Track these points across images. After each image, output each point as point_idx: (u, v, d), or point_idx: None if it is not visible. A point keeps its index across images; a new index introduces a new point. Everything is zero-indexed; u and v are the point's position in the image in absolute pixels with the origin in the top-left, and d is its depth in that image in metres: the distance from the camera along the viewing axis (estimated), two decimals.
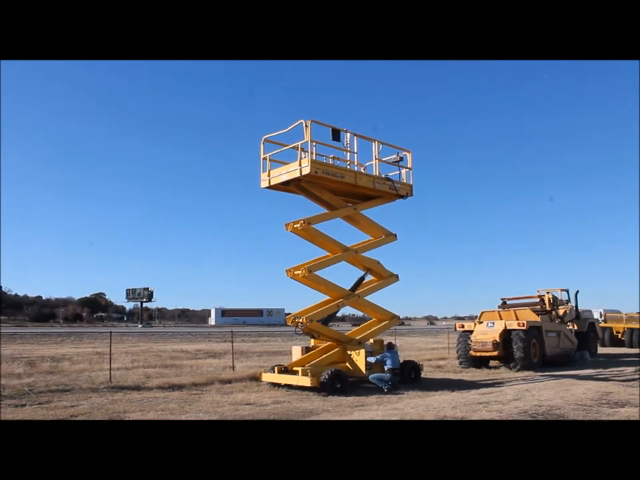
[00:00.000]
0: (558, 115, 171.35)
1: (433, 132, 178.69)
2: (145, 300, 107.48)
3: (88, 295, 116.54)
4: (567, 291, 22.41)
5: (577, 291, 22.31)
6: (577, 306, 22.05)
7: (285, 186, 13.56)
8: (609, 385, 12.99)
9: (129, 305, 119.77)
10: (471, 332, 18.76)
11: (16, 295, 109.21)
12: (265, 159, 13.49)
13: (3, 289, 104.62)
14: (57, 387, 12.55)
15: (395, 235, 14.98)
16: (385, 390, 12.33)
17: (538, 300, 20.95)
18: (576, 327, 21.69)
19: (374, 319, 15.05)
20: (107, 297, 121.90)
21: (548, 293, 21.28)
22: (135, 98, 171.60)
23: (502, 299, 21.47)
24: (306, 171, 12.54)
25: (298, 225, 12.85)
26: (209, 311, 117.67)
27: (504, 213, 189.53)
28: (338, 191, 14.03)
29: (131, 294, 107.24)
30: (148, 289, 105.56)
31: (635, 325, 30.55)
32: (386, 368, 12.75)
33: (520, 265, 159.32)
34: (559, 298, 21.66)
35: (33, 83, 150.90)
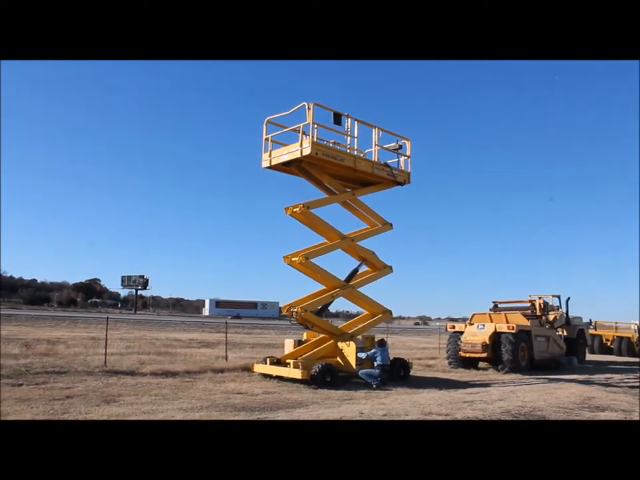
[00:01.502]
0: (557, 116, 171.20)
1: (433, 131, 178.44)
2: (140, 287, 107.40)
3: (83, 280, 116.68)
4: (559, 297, 22.77)
5: (568, 298, 22.68)
6: (567, 312, 22.38)
7: (286, 167, 13.84)
8: (593, 390, 13.28)
9: (123, 292, 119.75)
10: (462, 333, 19.09)
11: (11, 277, 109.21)
12: (267, 139, 13.75)
13: None
14: (53, 368, 12.78)
15: (391, 224, 15.18)
16: (374, 386, 12.57)
17: (529, 304, 21.29)
18: (565, 333, 22.05)
19: (367, 313, 15.30)
20: (101, 283, 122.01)
21: (539, 298, 21.60)
22: (133, 88, 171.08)
23: (493, 302, 21.80)
24: (306, 151, 12.79)
25: (297, 209, 13.09)
26: (204, 301, 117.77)
27: (503, 215, 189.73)
28: (337, 175, 14.30)
29: (127, 281, 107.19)
30: (143, 276, 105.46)
31: (624, 334, 30.93)
32: (376, 364, 13.01)
33: (517, 268, 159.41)
34: (550, 304, 22.00)
35: (37, 72, 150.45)
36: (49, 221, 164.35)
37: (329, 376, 12.33)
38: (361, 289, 14.73)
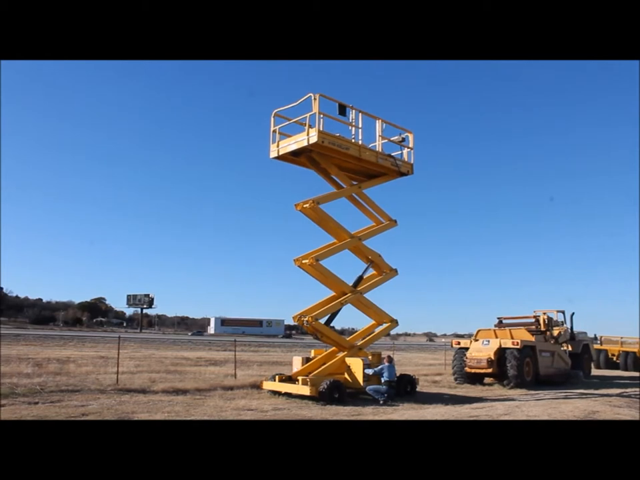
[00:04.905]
0: (561, 117, 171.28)
1: (437, 150, 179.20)
2: (145, 306, 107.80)
3: (88, 300, 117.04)
4: (563, 312, 22.98)
5: (573, 313, 22.89)
6: (572, 327, 22.56)
7: (294, 157, 14.12)
8: (597, 405, 13.41)
9: (129, 311, 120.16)
10: (467, 349, 19.28)
11: (17, 296, 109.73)
12: (274, 131, 14.05)
13: (4, 291, 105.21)
14: (67, 387, 13.05)
15: (396, 221, 15.40)
16: (381, 402, 12.77)
17: (533, 320, 21.47)
18: (570, 348, 22.18)
19: (373, 322, 15.41)
20: (107, 302, 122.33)
21: (544, 313, 21.79)
22: (140, 103, 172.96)
23: (498, 318, 21.98)
24: (313, 140, 13.08)
25: (307, 205, 13.35)
26: (209, 319, 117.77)
27: (511, 231, 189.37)
28: (343, 167, 14.58)
29: (132, 300, 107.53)
30: (149, 295, 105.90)
31: (630, 349, 30.95)
32: (383, 380, 13.23)
33: (524, 284, 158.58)
34: (555, 319, 22.18)
35: (32, 84, 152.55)
36: (55, 240, 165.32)
37: (336, 392, 12.51)
38: (367, 296, 14.81)
